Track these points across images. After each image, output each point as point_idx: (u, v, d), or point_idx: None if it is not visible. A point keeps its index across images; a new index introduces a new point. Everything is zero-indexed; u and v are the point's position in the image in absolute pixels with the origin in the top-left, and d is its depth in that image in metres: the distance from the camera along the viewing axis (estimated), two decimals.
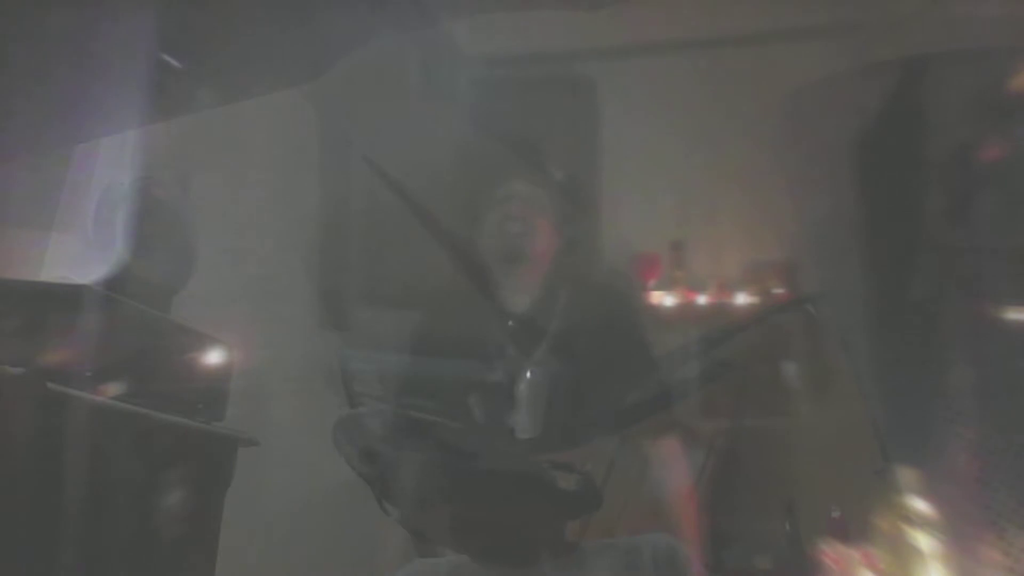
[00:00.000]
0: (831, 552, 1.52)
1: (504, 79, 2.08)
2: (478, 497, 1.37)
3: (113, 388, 1.37)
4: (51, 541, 1.20)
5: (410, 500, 1.40)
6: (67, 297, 1.32)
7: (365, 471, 1.43)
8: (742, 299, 2.20)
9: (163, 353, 1.50)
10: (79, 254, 1.45)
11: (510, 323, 1.68)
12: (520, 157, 1.83)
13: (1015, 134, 1.55)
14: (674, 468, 1.59)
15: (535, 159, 1.83)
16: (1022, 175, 1.54)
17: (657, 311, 2.19)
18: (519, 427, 1.56)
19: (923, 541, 1.35)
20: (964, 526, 1.36)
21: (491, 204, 1.74)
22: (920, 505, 1.34)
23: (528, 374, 1.60)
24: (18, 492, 1.19)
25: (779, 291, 2.14)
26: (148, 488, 1.39)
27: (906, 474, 1.37)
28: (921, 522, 1.33)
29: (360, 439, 1.42)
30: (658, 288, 2.26)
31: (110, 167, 1.46)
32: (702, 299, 2.25)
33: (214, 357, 1.56)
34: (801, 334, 1.87)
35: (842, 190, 1.80)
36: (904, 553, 1.34)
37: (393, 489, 1.43)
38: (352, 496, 1.57)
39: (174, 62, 1.42)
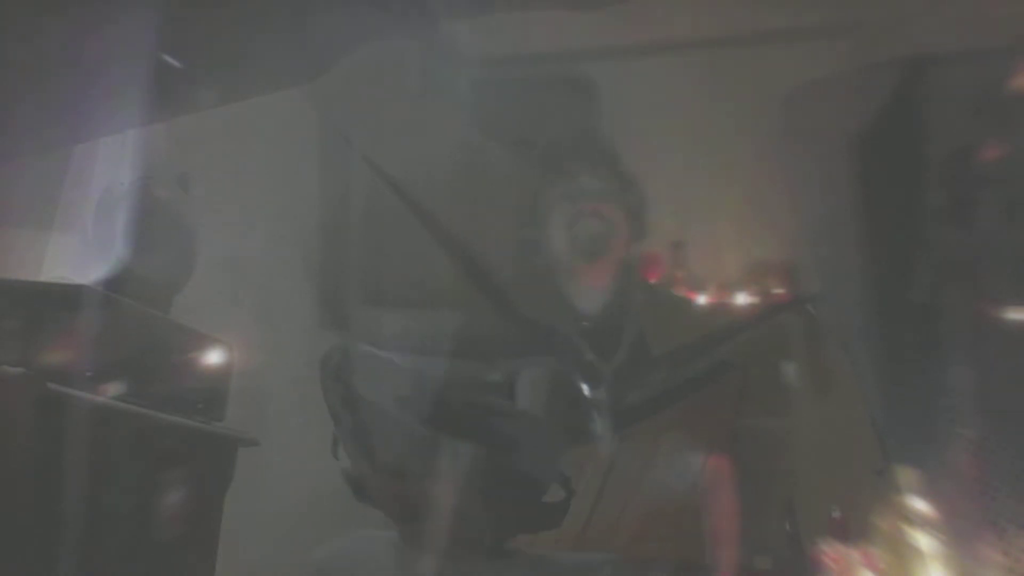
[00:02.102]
0: (831, 552, 1.52)
1: (504, 79, 2.08)
2: (449, 477, 1.29)
3: (113, 388, 1.37)
4: (51, 541, 1.20)
5: (379, 462, 1.32)
6: (67, 297, 1.32)
7: (342, 415, 1.37)
8: (742, 299, 2.20)
9: (163, 353, 1.50)
10: (79, 254, 1.45)
11: (584, 323, 1.67)
12: (578, 151, 1.82)
13: (1015, 134, 1.55)
14: (683, 472, 1.59)
15: (595, 152, 1.82)
16: (1022, 175, 1.54)
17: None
18: (594, 432, 1.53)
19: (923, 541, 1.35)
20: (964, 526, 1.36)
21: (556, 202, 1.72)
22: (920, 505, 1.34)
23: (610, 378, 1.58)
24: (18, 492, 1.19)
25: (779, 291, 2.13)
26: (148, 488, 1.39)
27: (906, 474, 1.37)
28: (921, 522, 1.33)
29: (349, 382, 1.34)
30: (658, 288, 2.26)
31: (110, 167, 1.46)
32: (702, 299, 2.25)
33: (214, 357, 1.56)
34: (801, 334, 1.87)
35: (842, 190, 1.80)
36: (904, 553, 1.34)
37: (361, 442, 1.34)
38: (352, 496, 1.57)
39: (174, 62, 1.42)
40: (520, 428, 1.29)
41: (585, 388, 1.56)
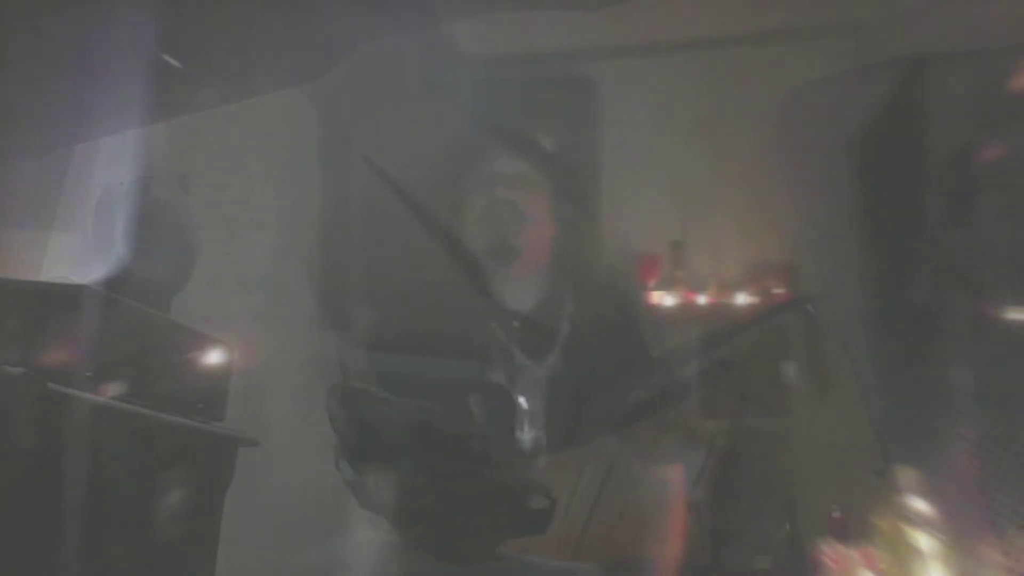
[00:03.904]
0: (831, 552, 1.52)
1: (504, 79, 2.08)
2: (441, 486, 1.33)
3: (113, 388, 1.37)
4: (51, 541, 1.20)
5: (376, 473, 1.37)
6: (67, 297, 1.31)
7: (348, 437, 1.38)
8: (742, 299, 2.20)
9: (163, 353, 1.49)
10: (79, 254, 1.45)
11: (515, 324, 1.53)
12: (506, 135, 1.68)
13: (1015, 134, 1.55)
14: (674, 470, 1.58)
15: (523, 136, 1.66)
16: (1021, 175, 1.54)
17: (657, 311, 2.18)
18: (523, 431, 1.51)
19: (923, 541, 1.35)
20: (964, 526, 1.36)
21: (475, 188, 1.56)
22: (920, 505, 1.34)
23: (536, 380, 1.48)
24: (18, 492, 1.19)
25: (779, 291, 2.14)
26: (148, 488, 1.39)
27: (906, 474, 1.37)
28: (921, 522, 1.33)
29: (353, 408, 1.37)
30: (658, 288, 2.26)
31: (110, 167, 1.45)
32: (702, 299, 2.25)
33: (214, 357, 1.56)
34: (801, 334, 1.87)
35: (842, 190, 1.80)
36: (904, 553, 1.35)
37: (363, 457, 1.38)
38: (352, 496, 1.57)
39: (174, 62, 1.42)
40: (486, 446, 1.33)
41: (518, 396, 1.48)
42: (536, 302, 1.58)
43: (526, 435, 1.45)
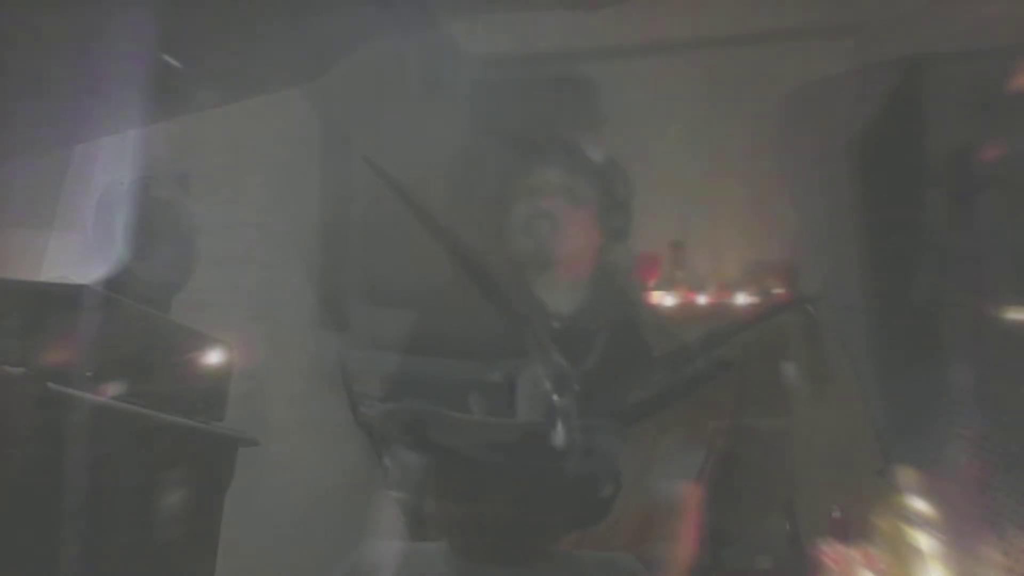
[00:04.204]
0: (831, 552, 1.52)
1: (504, 79, 2.08)
2: (511, 492, 1.30)
3: (113, 388, 1.37)
4: (50, 541, 1.21)
5: (429, 490, 1.33)
6: (67, 297, 1.32)
7: (411, 460, 1.37)
8: (742, 299, 2.20)
9: (163, 353, 1.50)
10: (79, 254, 1.45)
11: (555, 325, 1.53)
12: (548, 141, 1.67)
13: (1015, 134, 1.55)
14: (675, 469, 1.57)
15: (566, 142, 1.65)
16: (1020, 175, 1.54)
17: (658, 311, 2.18)
18: (554, 434, 1.48)
19: (923, 541, 1.35)
20: (964, 526, 1.36)
21: (516, 197, 1.57)
22: (920, 505, 1.34)
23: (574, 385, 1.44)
24: (17, 492, 1.19)
25: (779, 291, 2.14)
26: (148, 488, 1.39)
27: (906, 474, 1.37)
28: (921, 522, 1.33)
29: (420, 431, 1.36)
30: (658, 288, 2.27)
31: (110, 167, 1.46)
32: (702, 299, 2.25)
33: (214, 357, 1.56)
34: (801, 334, 1.87)
35: (842, 190, 1.80)
36: (904, 553, 1.34)
37: (416, 480, 1.35)
38: (352, 496, 1.57)
39: (174, 62, 1.42)
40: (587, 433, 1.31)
41: (552, 392, 1.51)
42: (576, 306, 1.58)
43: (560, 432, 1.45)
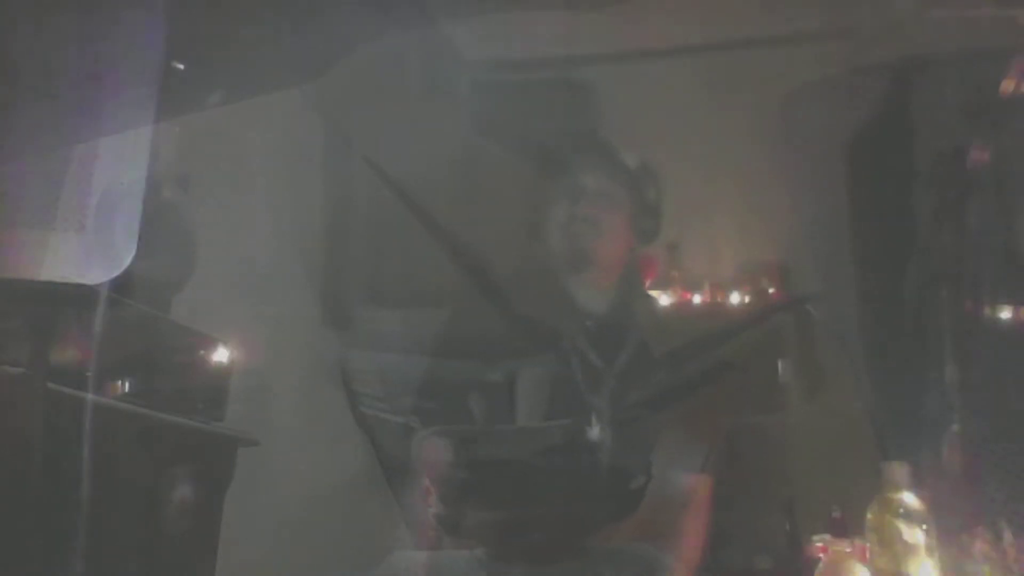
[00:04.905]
0: (823, 545, 1.53)
1: (502, 81, 2.09)
2: (545, 493, 1.35)
3: (113, 388, 1.37)
4: (51, 540, 1.20)
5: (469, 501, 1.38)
6: (68, 297, 1.31)
7: (449, 477, 1.39)
8: (738, 299, 2.22)
9: (163, 353, 1.50)
10: (79, 254, 1.44)
11: (588, 324, 1.58)
12: (585, 147, 1.72)
13: (1006, 136, 1.57)
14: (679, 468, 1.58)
15: (603, 147, 1.71)
16: (1011, 176, 1.56)
17: (656, 311, 2.19)
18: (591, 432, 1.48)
19: (916, 536, 1.36)
20: (957, 521, 1.37)
21: (554, 202, 1.62)
22: (913, 500, 1.36)
23: (611, 381, 1.51)
24: (18, 492, 1.19)
25: (776, 292, 2.15)
26: (148, 488, 1.39)
27: (900, 470, 1.38)
28: (914, 517, 1.35)
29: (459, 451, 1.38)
30: (654, 288, 2.28)
31: (111, 167, 1.45)
32: (699, 299, 2.26)
33: (214, 357, 1.56)
34: (800, 334, 1.88)
35: (839, 191, 1.82)
36: (897, 547, 1.36)
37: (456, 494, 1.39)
38: (352, 496, 1.58)
39: (175, 63, 1.42)
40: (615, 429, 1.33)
41: (586, 390, 1.52)
42: (609, 306, 1.62)
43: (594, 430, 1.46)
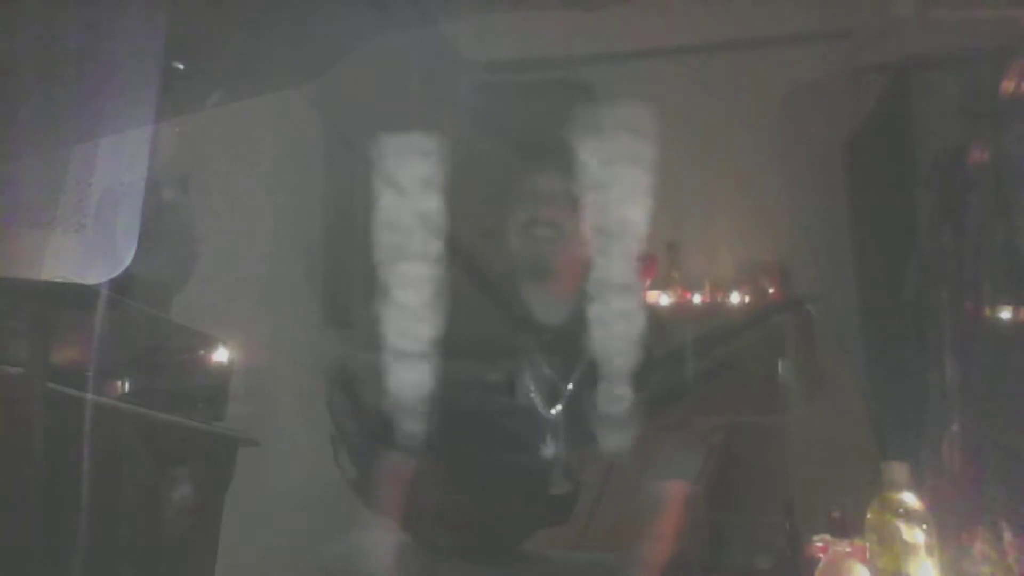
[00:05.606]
0: (823, 545, 1.53)
1: (501, 81, 2.09)
2: (461, 477, 1.32)
3: (113, 388, 1.37)
4: (51, 540, 1.20)
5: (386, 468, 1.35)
6: (68, 297, 1.31)
7: (348, 426, 1.36)
8: (738, 299, 2.22)
9: (163, 353, 1.50)
10: (79, 254, 1.44)
11: (545, 335, 1.51)
12: (546, 151, 1.66)
13: (1004, 136, 1.57)
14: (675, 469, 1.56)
15: (570, 147, 1.61)
16: (1011, 176, 1.56)
17: (656, 312, 2.19)
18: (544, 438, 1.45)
19: (916, 535, 1.36)
20: (957, 521, 1.38)
21: (514, 205, 1.55)
22: (913, 500, 1.36)
23: (566, 395, 1.45)
24: (18, 491, 1.19)
25: (775, 291, 2.16)
26: (148, 487, 1.39)
27: (901, 470, 1.38)
28: (914, 517, 1.35)
29: (355, 394, 1.35)
30: (654, 288, 2.28)
31: (111, 167, 1.45)
32: (699, 299, 2.26)
33: (214, 357, 1.56)
34: (800, 334, 1.88)
35: (836, 191, 1.82)
36: (897, 547, 1.36)
37: (366, 453, 1.36)
38: (351, 496, 1.57)
39: (175, 62, 1.42)
40: (523, 424, 1.31)
41: (540, 404, 1.46)
42: (568, 317, 1.55)
43: (547, 444, 1.41)
